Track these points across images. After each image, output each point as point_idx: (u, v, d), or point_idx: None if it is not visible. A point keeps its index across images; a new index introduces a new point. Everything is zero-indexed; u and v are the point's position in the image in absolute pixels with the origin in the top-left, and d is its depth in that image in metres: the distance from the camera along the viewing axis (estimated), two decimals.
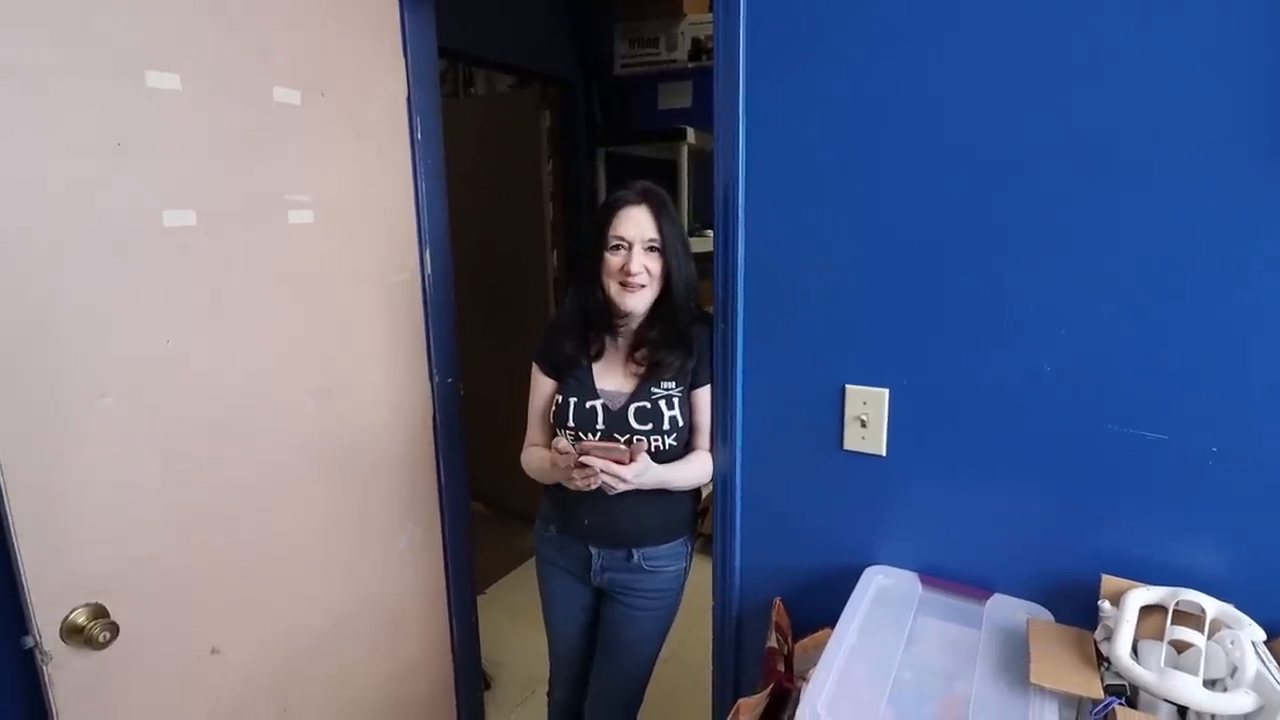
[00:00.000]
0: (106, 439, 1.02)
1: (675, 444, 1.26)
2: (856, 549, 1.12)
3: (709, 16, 2.63)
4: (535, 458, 1.34)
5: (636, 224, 1.23)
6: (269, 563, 1.27)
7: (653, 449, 1.23)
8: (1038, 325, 0.93)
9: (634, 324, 1.29)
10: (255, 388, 1.21)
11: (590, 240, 1.29)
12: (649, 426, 1.24)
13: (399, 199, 1.44)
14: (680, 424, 1.26)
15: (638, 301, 1.24)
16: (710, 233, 2.90)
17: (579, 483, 1.16)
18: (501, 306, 3.03)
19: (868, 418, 1.05)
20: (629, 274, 1.22)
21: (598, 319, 1.29)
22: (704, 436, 1.28)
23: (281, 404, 1.26)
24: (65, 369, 0.97)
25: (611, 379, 1.30)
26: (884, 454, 1.06)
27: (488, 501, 3.27)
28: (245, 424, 1.20)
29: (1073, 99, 0.87)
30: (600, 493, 1.19)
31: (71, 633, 0.99)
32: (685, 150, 2.63)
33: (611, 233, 1.24)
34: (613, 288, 1.25)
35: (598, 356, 1.31)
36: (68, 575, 0.99)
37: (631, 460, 1.14)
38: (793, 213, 1.07)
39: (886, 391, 1.04)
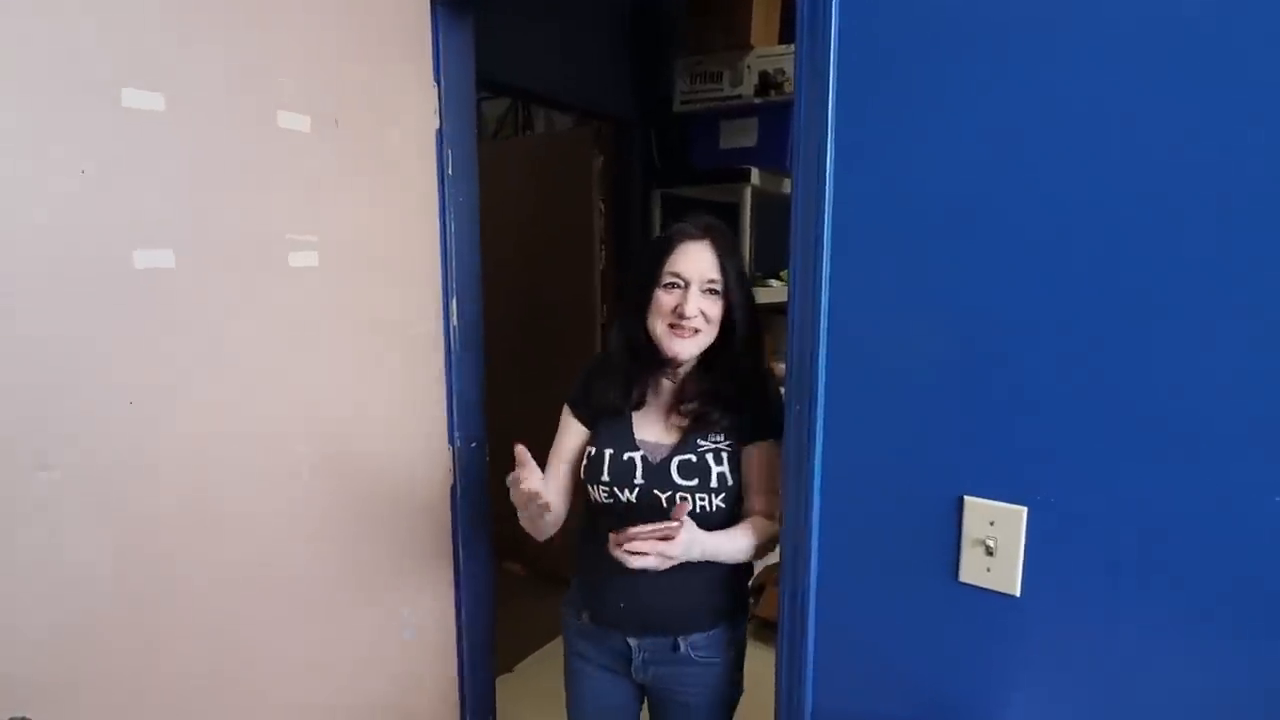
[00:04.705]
0: (47, 520, 0.85)
1: (724, 505, 1.07)
2: (974, 710, 0.85)
3: (778, 49, 2.45)
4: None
5: (697, 261, 1.05)
6: (244, 666, 1.07)
7: (698, 509, 1.04)
8: (1242, 431, 0.67)
9: (684, 370, 1.11)
10: (239, 457, 1.03)
11: (641, 274, 1.11)
12: (694, 482, 1.05)
13: (422, 241, 1.27)
14: (730, 483, 1.06)
15: (686, 348, 1.06)
16: (774, 282, 2.66)
17: (631, 561, 0.95)
18: (546, 359, 2.86)
19: (995, 543, 0.79)
20: (683, 316, 1.04)
21: (643, 361, 1.11)
22: (758, 497, 1.08)
23: (270, 476, 1.08)
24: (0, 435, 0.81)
25: (651, 429, 1.12)
26: (1017, 593, 0.79)
27: (525, 562, 3.06)
28: (225, 501, 1.02)
29: None
30: (635, 571, 0.97)
31: None
32: (749, 192, 2.44)
33: (668, 268, 1.06)
34: (660, 329, 1.06)
35: (639, 404, 1.12)
36: None
37: (675, 518, 0.95)
38: (895, 267, 0.84)
39: (1024, 510, 0.78)
